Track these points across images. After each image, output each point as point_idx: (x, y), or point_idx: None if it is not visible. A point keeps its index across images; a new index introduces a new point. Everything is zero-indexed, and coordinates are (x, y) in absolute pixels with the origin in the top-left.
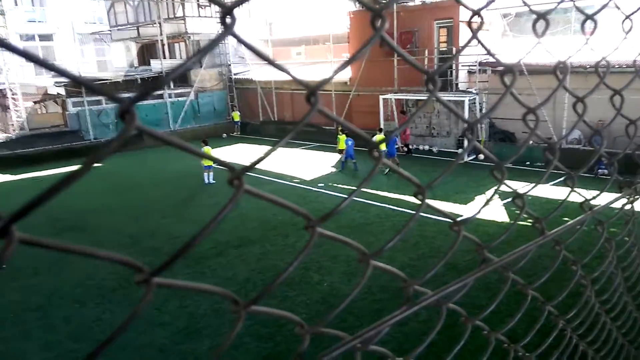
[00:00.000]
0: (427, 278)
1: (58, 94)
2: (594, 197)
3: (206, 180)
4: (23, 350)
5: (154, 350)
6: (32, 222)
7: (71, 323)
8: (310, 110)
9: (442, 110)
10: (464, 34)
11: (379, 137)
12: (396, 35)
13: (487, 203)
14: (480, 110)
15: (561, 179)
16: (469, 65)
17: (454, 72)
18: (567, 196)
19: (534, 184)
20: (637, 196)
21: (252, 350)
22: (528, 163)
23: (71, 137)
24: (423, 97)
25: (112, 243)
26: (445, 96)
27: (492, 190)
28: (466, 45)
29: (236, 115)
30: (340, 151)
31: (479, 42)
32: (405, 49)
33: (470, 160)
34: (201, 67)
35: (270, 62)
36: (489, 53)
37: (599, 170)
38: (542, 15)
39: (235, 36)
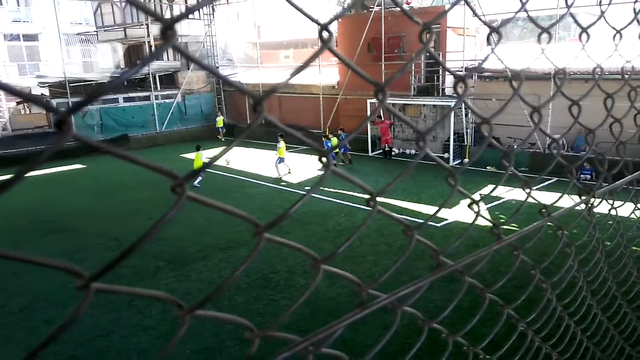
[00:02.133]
0: (380, 282)
1: (42, 94)
2: (553, 203)
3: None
4: (3, 354)
5: (135, 354)
6: (17, 224)
7: (53, 325)
8: (256, 119)
9: (428, 115)
10: (451, 39)
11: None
12: (384, 40)
13: (440, 208)
14: (466, 115)
15: (545, 183)
16: (455, 70)
17: (440, 77)
18: (523, 203)
19: (488, 193)
20: (595, 202)
21: (235, 354)
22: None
23: (55, 138)
24: (410, 102)
25: (97, 245)
26: (431, 101)
27: (452, 195)
28: (414, 58)
29: (220, 121)
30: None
31: (431, 53)
32: (393, 54)
33: (456, 164)
34: (189, 69)
35: (217, 75)
36: (442, 65)
37: (581, 176)
38: (495, 29)
39: (175, 48)
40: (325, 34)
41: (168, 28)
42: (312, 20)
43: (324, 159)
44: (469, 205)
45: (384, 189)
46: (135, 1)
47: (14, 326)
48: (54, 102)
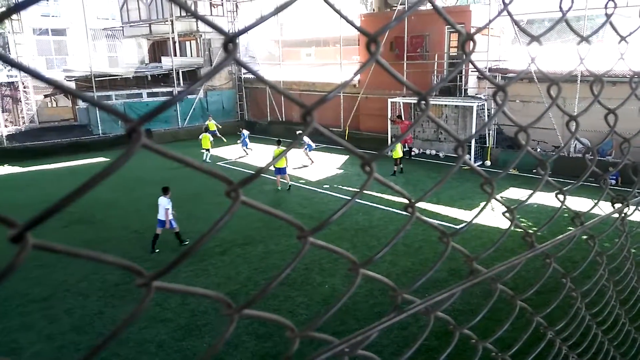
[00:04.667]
0: (414, 287)
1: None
2: (586, 212)
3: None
4: (26, 341)
5: (154, 345)
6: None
7: (74, 315)
8: (306, 129)
9: (450, 115)
10: (475, 39)
11: (277, 151)
12: (407, 39)
13: (475, 217)
14: (489, 116)
15: (569, 187)
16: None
17: (463, 77)
18: (557, 212)
19: (523, 201)
20: (629, 211)
21: (251, 349)
22: (535, 171)
23: (80, 131)
24: (432, 102)
25: (119, 238)
26: (454, 102)
27: (491, 199)
28: (460, 66)
29: (212, 125)
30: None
31: (473, 65)
32: (416, 53)
33: (476, 165)
34: (211, 65)
35: (270, 85)
36: (483, 75)
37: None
38: (535, 38)
39: (237, 61)
40: (372, 46)
41: (230, 41)
42: (360, 31)
43: (366, 168)
44: (504, 214)
45: (423, 197)
46: (200, 16)
47: (37, 314)
48: None
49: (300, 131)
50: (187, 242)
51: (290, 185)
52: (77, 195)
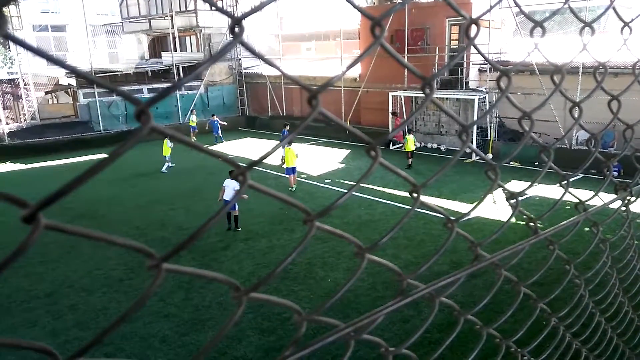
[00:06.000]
0: (420, 272)
1: (69, 84)
2: (589, 199)
3: (163, 169)
4: (30, 337)
5: (157, 340)
6: (44, 209)
7: (78, 311)
8: (311, 113)
9: (451, 108)
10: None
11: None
12: (407, 32)
13: (479, 203)
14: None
15: (571, 179)
16: (479, 64)
17: (464, 70)
18: (560, 198)
19: (527, 187)
20: (632, 198)
21: (255, 343)
22: (537, 164)
23: (81, 127)
24: (434, 94)
25: (120, 233)
26: (455, 94)
27: (493, 189)
28: (462, 52)
29: (192, 121)
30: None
31: (477, 49)
32: (417, 46)
33: (478, 159)
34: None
35: (275, 66)
36: (486, 60)
37: (608, 172)
38: (539, 24)
39: (243, 44)
40: (377, 30)
41: (236, 24)
42: (365, 14)
43: (371, 153)
44: (507, 200)
45: (427, 181)
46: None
47: (41, 310)
48: (80, 92)
49: (286, 123)
50: (239, 229)
51: (293, 190)
52: (89, 175)
